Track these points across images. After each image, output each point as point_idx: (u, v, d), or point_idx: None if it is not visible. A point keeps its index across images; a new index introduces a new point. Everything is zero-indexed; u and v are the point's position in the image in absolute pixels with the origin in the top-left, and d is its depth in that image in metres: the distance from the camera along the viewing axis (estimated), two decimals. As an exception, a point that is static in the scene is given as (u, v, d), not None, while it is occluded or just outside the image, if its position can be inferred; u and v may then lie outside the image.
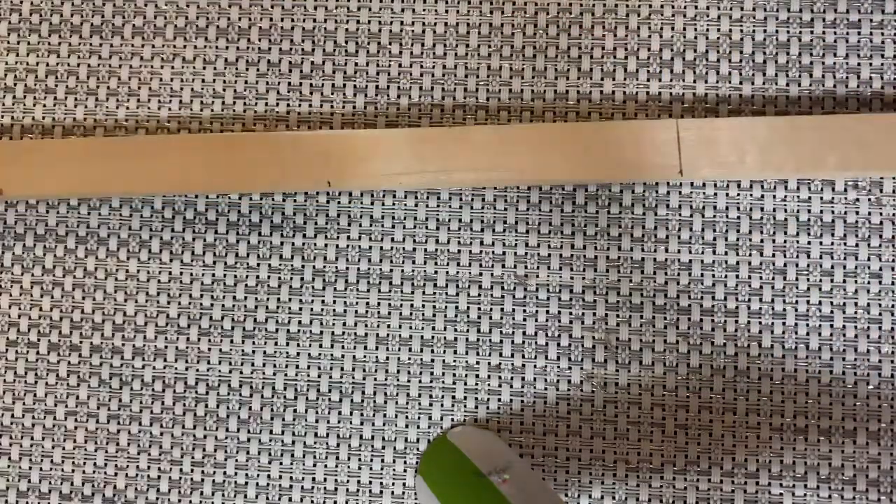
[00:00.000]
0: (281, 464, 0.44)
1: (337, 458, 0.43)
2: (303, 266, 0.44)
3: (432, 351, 0.43)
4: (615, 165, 0.41)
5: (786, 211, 0.43)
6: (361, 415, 0.43)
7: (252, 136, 0.43)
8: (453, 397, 0.43)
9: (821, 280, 0.42)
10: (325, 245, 0.44)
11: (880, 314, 0.42)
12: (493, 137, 0.41)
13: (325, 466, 0.43)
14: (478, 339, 0.43)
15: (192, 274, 0.45)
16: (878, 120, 0.41)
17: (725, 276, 0.43)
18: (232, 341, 0.44)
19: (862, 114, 0.43)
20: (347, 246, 0.44)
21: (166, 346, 0.44)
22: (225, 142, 0.43)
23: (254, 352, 0.44)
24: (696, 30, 0.44)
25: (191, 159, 0.42)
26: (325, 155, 0.42)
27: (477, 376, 0.43)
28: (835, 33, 0.43)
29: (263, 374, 0.44)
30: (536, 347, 0.43)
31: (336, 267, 0.44)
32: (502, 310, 0.43)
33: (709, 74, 0.43)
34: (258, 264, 0.44)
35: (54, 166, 0.43)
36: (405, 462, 0.43)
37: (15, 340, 0.45)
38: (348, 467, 0.43)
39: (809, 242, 0.43)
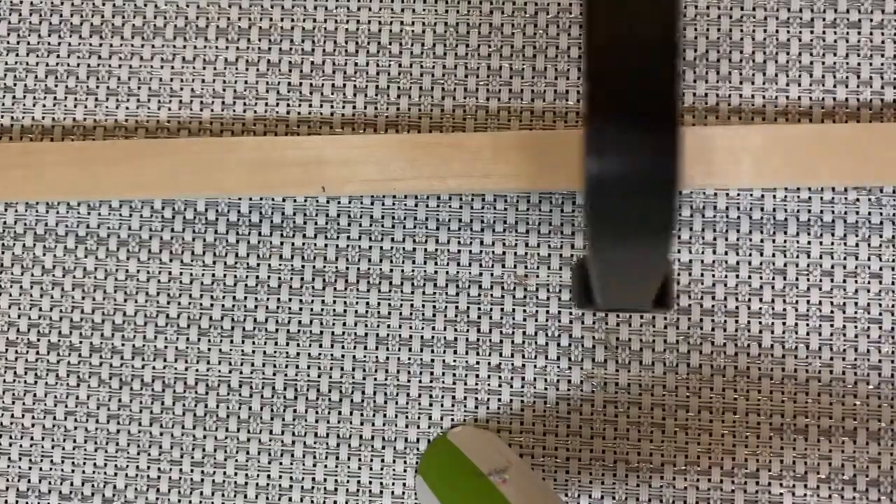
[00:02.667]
0: (281, 464, 0.44)
1: (337, 458, 0.43)
2: (303, 266, 0.44)
3: (432, 351, 0.43)
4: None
5: (786, 211, 0.43)
6: (361, 415, 0.43)
7: (246, 140, 0.43)
8: (453, 397, 0.43)
9: (821, 280, 0.42)
10: (325, 245, 0.44)
11: (880, 314, 0.42)
12: (487, 143, 0.41)
13: (325, 466, 0.43)
14: (478, 339, 0.43)
15: (191, 274, 0.45)
16: (873, 129, 0.41)
17: (725, 276, 0.43)
18: (232, 341, 0.44)
19: (857, 123, 0.43)
20: (347, 246, 0.44)
21: (166, 346, 0.44)
22: (219, 146, 0.43)
23: (254, 352, 0.44)
24: (696, 30, 0.44)
25: (185, 163, 0.42)
26: (319, 160, 0.42)
27: (477, 376, 0.43)
28: (835, 33, 0.43)
29: (263, 374, 0.44)
30: (536, 347, 0.43)
31: (336, 267, 0.44)
32: (502, 310, 0.43)
33: (709, 74, 0.43)
34: (258, 264, 0.44)
35: (53, 168, 0.43)
36: (405, 462, 0.43)
37: (14, 340, 0.45)
38: (348, 467, 0.43)
39: (809, 242, 0.43)
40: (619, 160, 0.17)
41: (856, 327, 0.42)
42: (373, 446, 0.43)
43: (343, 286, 0.44)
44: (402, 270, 0.44)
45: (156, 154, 0.43)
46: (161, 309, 0.45)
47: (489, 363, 0.43)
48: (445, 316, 0.44)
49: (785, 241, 0.43)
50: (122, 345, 0.45)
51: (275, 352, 0.44)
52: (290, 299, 0.44)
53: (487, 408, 0.43)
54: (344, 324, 0.44)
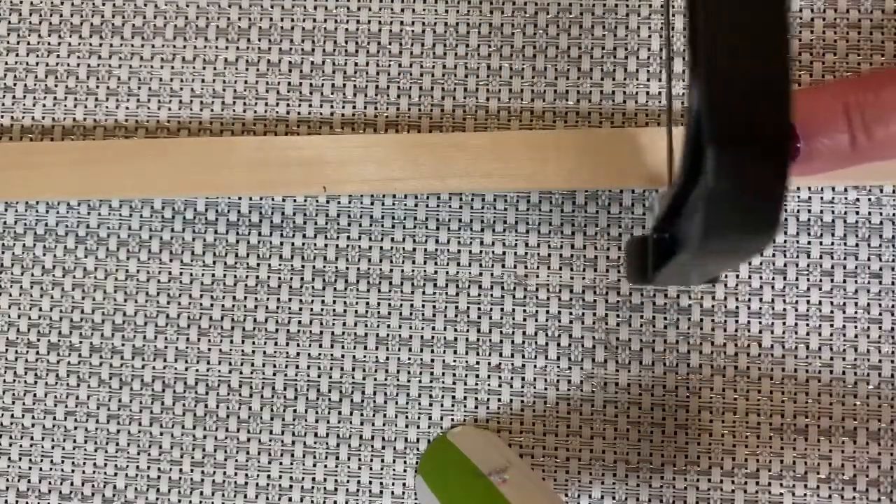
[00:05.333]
0: (281, 464, 0.44)
1: (337, 458, 0.43)
2: (303, 266, 0.44)
3: (432, 351, 0.43)
4: (609, 173, 0.41)
5: (786, 211, 0.43)
6: (361, 415, 0.43)
7: (246, 140, 0.43)
8: (453, 397, 0.43)
9: (821, 280, 0.42)
10: (325, 245, 0.44)
11: (880, 314, 0.42)
12: (487, 143, 0.41)
13: (325, 466, 0.43)
14: (478, 339, 0.43)
15: (191, 274, 0.45)
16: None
17: (725, 276, 0.43)
18: (232, 341, 0.44)
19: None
20: (347, 246, 0.44)
21: (166, 346, 0.44)
22: (219, 146, 0.42)
23: (254, 352, 0.44)
24: (696, 30, 0.44)
25: (185, 163, 0.42)
26: (319, 160, 0.42)
27: (477, 376, 0.43)
28: (835, 33, 0.43)
29: (263, 374, 0.44)
30: (536, 347, 0.43)
31: (336, 267, 0.44)
32: (502, 310, 0.43)
33: (709, 74, 0.43)
34: (258, 264, 0.44)
35: (53, 168, 0.43)
36: (405, 462, 0.43)
37: (14, 340, 0.45)
38: (348, 467, 0.43)
39: (809, 242, 0.43)
40: (741, 181, 0.22)
41: (856, 327, 0.42)
42: (373, 446, 0.43)
43: (343, 286, 0.44)
44: (402, 270, 0.44)
45: (156, 154, 0.43)
46: (161, 309, 0.45)
47: (489, 363, 0.43)
48: (445, 316, 0.44)
49: (785, 241, 0.43)
50: (122, 345, 0.45)
51: (275, 352, 0.44)
52: (290, 299, 0.44)
53: (487, 408, 0.43)
54: (344, 324, 0.44)
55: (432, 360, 0.43)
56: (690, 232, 0.26)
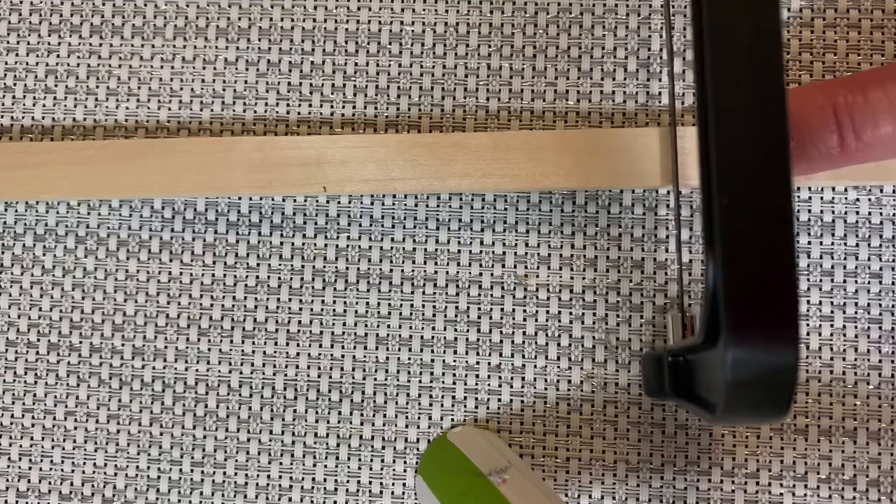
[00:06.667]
0: (281, 464, 0.44)
1: (337, 458, 0.43)
2: (303, 266, 0.44)
3: (432, 351, 0.43)
4: (609, 173, 0.41)
5: (786, 211, 0.43)
6: (361, 415, 0.43)
7: (246, 140, 0.43)
8: (453, 397, 0.43)
9: (821, 280, 0.42)
10: (325, 245, 0.44)
11: (880, 314, 0.42)
12: (487, 143, 0.41)
13: (325, 466, 0.43)
14: (478, 339, 0.43)
15: (191, 274, 0.45)
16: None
17: (725, 276, 0.43)
18: (232, 341, 0.44)
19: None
20: (347, 246, 0.44)
21: (166, 347, 0.44)
22: (219, 146, 0.42)
23: (254, 352, 0.44)
24: (696, 29, 0.44)
25: (185, 163, 0.42)
26: (319, 160, 0.42)
27: (477, 376, 0.43)
28: (835, 32, 0.43)
29: (263, 374, 0.44)
30: (536, 347, 0.43)
31: (336, 267, 0.44)
32: (502, 310, 0.43)
33: (709, 74, 0.43)
34: (258, 264, 0.44)
35: (53, 168, 0.43)
36: (405, 462, 0.43)
37: (14, 340, 0.45)
38: (348, 467, 0.43)
39: (809, 242, 0.43)
40: (756, 367, 0.24)
41: (856, 327, 0.42)
42: (373, 446, 0.43)
43: (343, 286, 0.44)
44: (402, 270, 0.44)
45: (156, 154, 0.43)
46: (161, 309, 0.45)
47: (489, 363, 0.43)
48: (445, 316, 0.44)
49: (785, 241, 0.43)
50: (122, 345, 0.45)
51: (275, 352, 0.44)
52: (290, 299, 0.44)
53: (487, 408, 0.43)
54: (344, 324, 0.44)
55: (432, 360, 0.43)
56: (707, 384, 0.29)
